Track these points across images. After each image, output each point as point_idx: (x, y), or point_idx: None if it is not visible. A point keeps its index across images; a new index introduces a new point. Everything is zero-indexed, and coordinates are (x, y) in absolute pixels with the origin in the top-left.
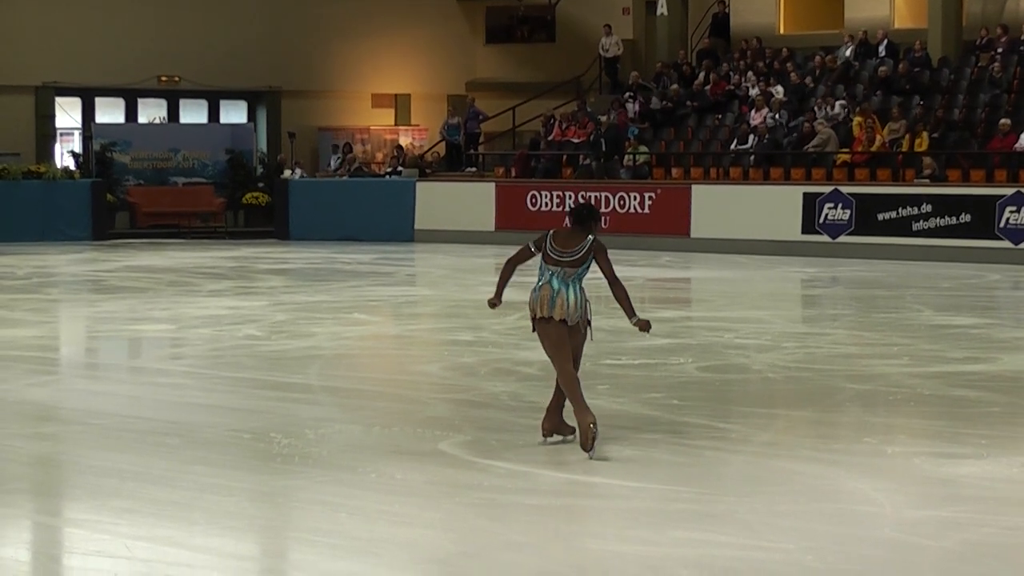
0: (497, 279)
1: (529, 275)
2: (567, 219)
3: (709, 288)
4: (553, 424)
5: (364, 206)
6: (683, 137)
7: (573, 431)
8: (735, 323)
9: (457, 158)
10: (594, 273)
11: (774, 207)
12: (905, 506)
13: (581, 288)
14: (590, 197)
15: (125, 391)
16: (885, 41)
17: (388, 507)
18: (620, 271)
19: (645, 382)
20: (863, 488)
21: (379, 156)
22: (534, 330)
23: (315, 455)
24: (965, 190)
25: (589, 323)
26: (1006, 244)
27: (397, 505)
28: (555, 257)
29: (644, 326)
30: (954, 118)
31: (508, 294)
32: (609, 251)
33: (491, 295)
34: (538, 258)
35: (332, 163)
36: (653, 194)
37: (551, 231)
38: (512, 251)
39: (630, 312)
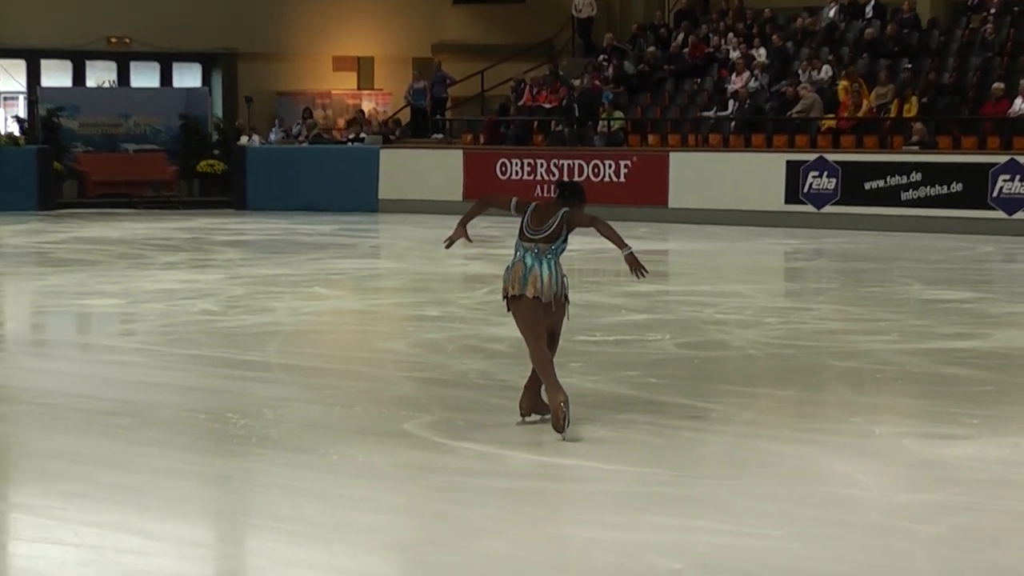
0: (466, 212)
1: (502, 250)
2: (538, 189)
3: (688, 261)
4: (531, 403)
5: (325, 175)
6: (660, 102)
7: (549, 410)
8: (715, 298)
9: (423, 124)
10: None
11: (756, 176)
12: (894, 489)
13: (557, 264)
14: (563, 165)
15: (74, 369)
16: (872, 1)
17: (350, 491)
18: (593, 243)
19: (621, 359)
20: (849, 471)
21: (341, 122)
22: (508, 309)
23: (274, 436)
24: (956, 158)
25: (566, 300)
26: (999, 214)
27: (360, 489)
28: (529, 235)
29: (634, 264)
30: (944, 82)
31: (478, 267)
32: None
33: (461, 252)
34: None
35: (273, 134)
36: (629, 162)
37: (533, 204)
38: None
39: (621, 243)
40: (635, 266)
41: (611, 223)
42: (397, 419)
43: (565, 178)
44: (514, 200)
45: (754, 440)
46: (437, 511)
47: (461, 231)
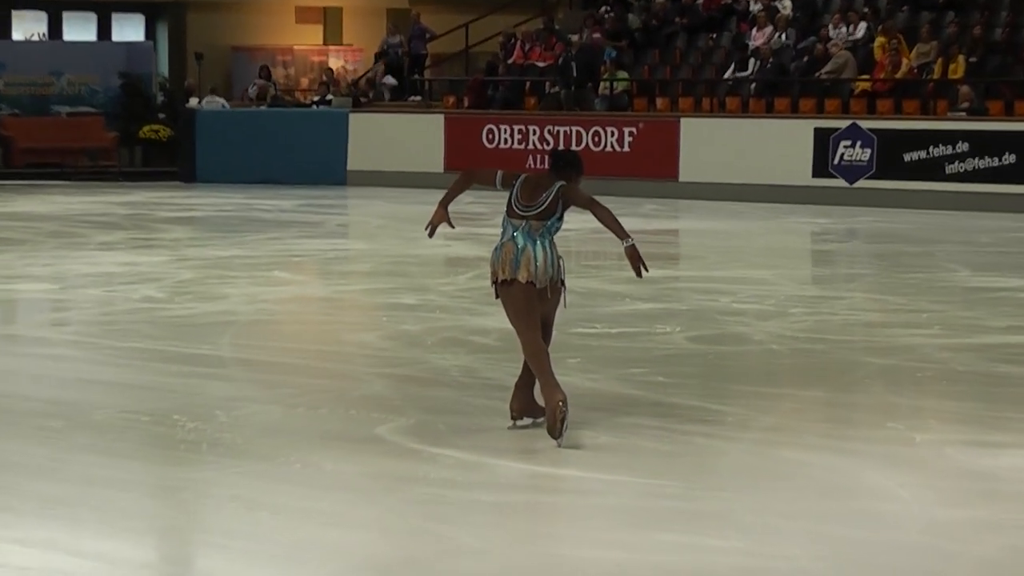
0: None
1: (489, 229)
2: (530, 160)
3: (701, 242)
4: (523, 404)
5: (286, 142)
6: (670, 61)
7: (544, 413)
8: (732, 284)
9: (399, 85)
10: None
11: (779, 146)
12: (936, 505)
13: (551, 244)
14: (558, 133)
15: None
16: None
17: (315, 504)
18: (594, 220)
19: (625, 355)
20: (885, 483)
21: (304, 82)
22: (497, 296)
23: (227, 442)
24: (1008, 125)
25: (563, 285)
26: None
27: (326, 502)
28: (519, 211)
29: (634, 259)
30: (995, 39)
31: (460, 248)
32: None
33: (441, 232)
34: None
35: (202, 100)
36: (634, 129)
37: (523, 176)
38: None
39: (622, 233)
40: (635, 262)
41: (613, 203)
42: (368, 422)
43: (560, 147)
44: (500, 173)
45: (776, 448)
46: (414, 528)
47: (442, 214)
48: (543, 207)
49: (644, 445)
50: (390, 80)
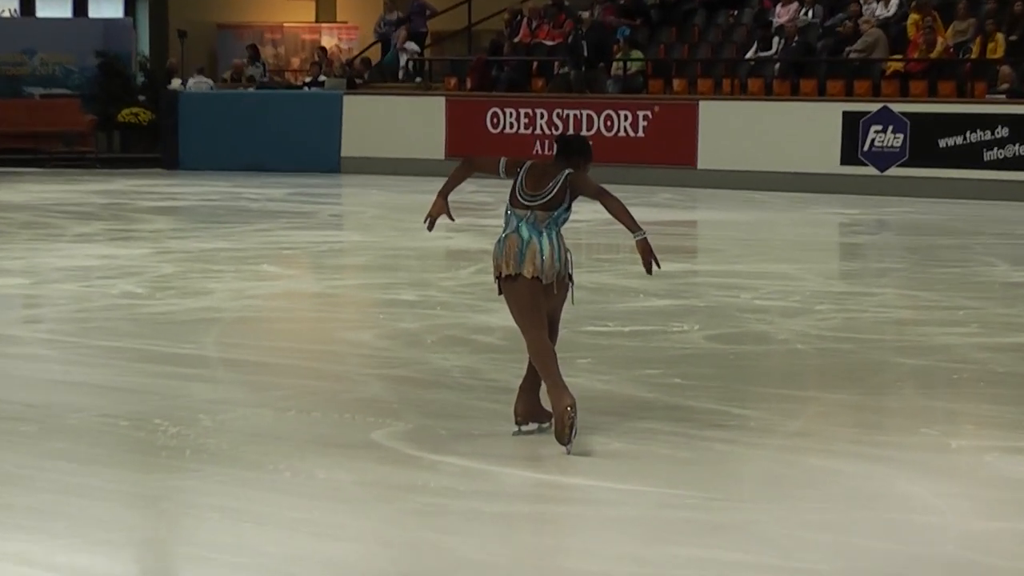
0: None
1: (492, 220)
2: (537, 146)
3: (721, 234)
4: (528, 408)
5: (276, 127)
6: (688, 40)
7: (550, 417)
8: (754, 279)
9: (396, 65)
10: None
11: (805, 131)
12: (973, 516)
13: (559, 236)
14: (568, 117)
15: None
16: None
17: (307, 515)
18: (603, 213)
19: (639, 355)
20: (919, 493)
21: (296, 62)
22: (500, 292)
23: (212, 448)
24: None
25: (571, 279)
26: None
27: (318, 513)
28: (523, 201)
29: (645, 253)
30: None
31: (463, 240)
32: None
33: (437, 218)
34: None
35: (187, 82)
36: (649, 113)
37: (528, 163)
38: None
39: (633, 225)
40: (647, 256)
41: (627, 192)
42: (364, 427)
43: (569, 132)
44: (503, 160)
45: (801, 455)
46: (413, 540)
47: (441, 205)
48: (550, 196)
49: (659, 452)
50: (412, 47)
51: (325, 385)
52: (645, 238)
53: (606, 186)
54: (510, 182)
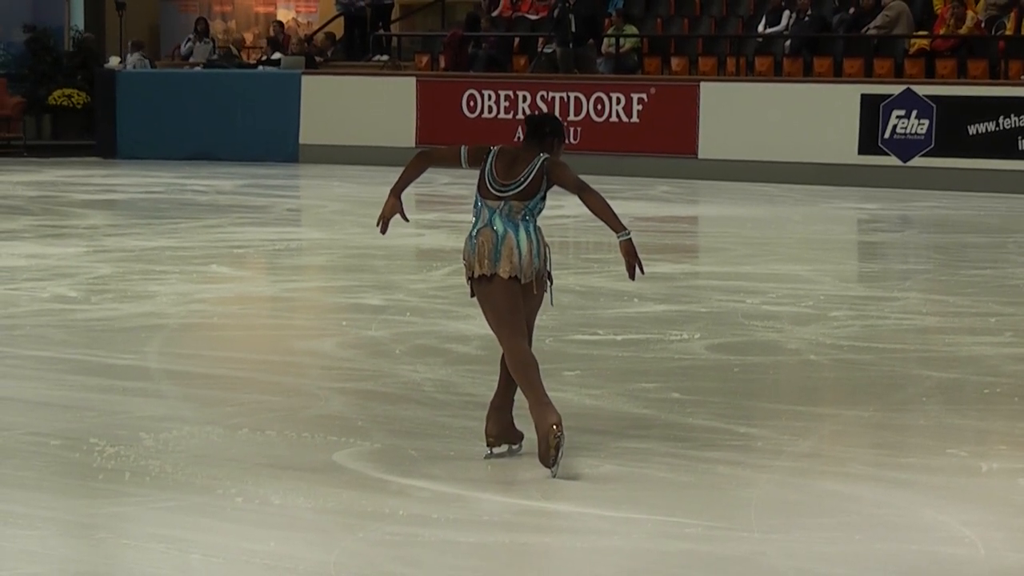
0: (397, 177)
1: (462, 214)
2: (520, 133)
3: (724, 232)
4: (500, 427)
5: (226, 110)
6: (688, 13)
7: (521, 439)
8: (762, 282)
9: (361, 41)
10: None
11: (820, 116)
12: (1006, 547)
13: (536, 229)
14: (553, 99)
15: None
16: None
17: (260, 546)
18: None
19: (633, 367)
20: (946, 521)
21: (248, 38)
22: (473, 295)
23: (155, 471)
24: None
25: (550, 278)
26: None
27: (274, 543)
28: (495, 190)
29: (629, 255)
30: None
31: (435, 238)
32: (581, 178)
33: (391, 221)
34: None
35: (125, 60)
36: (645, 95)
37: (496, 149)
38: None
39: (617, 225)
40: (630, 259)
41: (621, 184)
42: (325, 448)
43: (557, 115)
44: (464, 149)
45: (815, 479)
46: (381, 573)
47: (394, 204)
48: (525, 184)
49: (655, 475)
50: None
51: (281, 400)
52: (630, 239)
53: (591, 178)
54: (477, 172)
